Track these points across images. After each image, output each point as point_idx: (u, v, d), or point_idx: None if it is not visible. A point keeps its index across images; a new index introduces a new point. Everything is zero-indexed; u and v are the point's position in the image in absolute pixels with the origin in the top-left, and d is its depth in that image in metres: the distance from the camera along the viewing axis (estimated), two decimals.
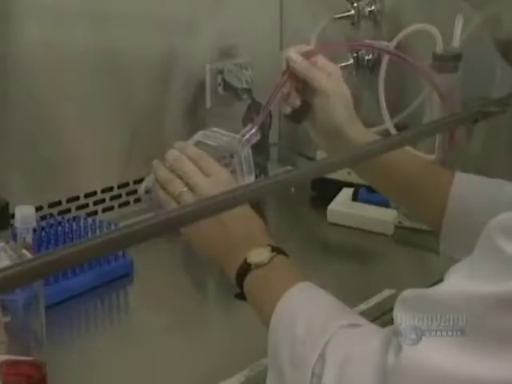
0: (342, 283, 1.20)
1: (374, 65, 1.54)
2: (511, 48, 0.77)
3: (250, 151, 1.01)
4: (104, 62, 1.38)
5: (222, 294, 1.20)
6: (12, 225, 1.07)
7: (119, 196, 1.46)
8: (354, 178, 1.38)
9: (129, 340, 1.07)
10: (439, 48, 1.35)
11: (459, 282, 0.66)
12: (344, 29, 1.55)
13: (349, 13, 1.55)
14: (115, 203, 1.45)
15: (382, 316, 1.05)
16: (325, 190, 1.51)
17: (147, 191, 1.02)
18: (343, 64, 1.53)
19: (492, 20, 0.78)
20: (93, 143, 1.39)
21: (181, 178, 0.94)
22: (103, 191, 1.43)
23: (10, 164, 1.28)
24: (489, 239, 0.65)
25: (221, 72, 1.53)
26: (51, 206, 1.35)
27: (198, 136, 1.03)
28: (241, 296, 0.88)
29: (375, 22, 1.55)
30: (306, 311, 0.79)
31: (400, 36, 1.40)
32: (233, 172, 0.98)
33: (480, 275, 0.64)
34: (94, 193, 1.42)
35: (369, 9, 1.55)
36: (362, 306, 1.11)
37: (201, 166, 0.94)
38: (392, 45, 1.39)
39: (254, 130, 1.03)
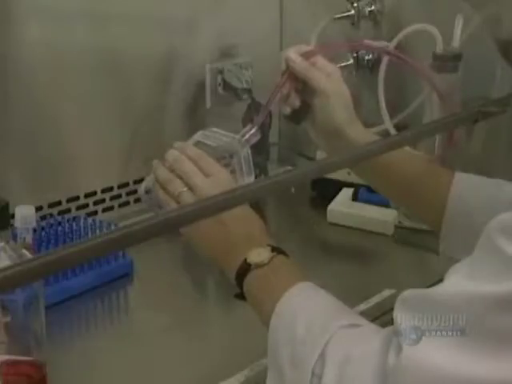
0: (341, 283, 1.20)
1: (374, 65, 1.54)
2: (511, 48, 0.77)
3: (250, 151, 1.01)
4: (104, 62, 1.38)
5: (222, 294, 1.20)
6: (12, 225, 1.07)
7: (119, 196, 1.46)
8: (353, 178, 1.38)
9: (129, 340, 1.07)
10: (439, 48, 1.35)
11: (459, 282, 0.66)
12: (344, 29, 1.55)
13: (349, 13, 1.55)
14: (115, 203, 1.45)
15: (381, 316, 1.05)
16: (325, 190, 1.51)
17: (147, 191, 1.02)
18: (343, 64, 1.53)
19: (492, 20, 0.78)
20: (93, 143, 1.39)
21: (181, 178, 0.94)
22: (103, 191, 1.43)
23: (10, 164, 1.28)
24: (489, 239, 0.65)
25: (221, 72, 1.53)
26: (51, 205, 1.35)
27: (198, 136, 1.03)
28: (241, 296, 0.88)
29: (375, 21, 1.55)
30: (306, 311, 0.79)
31: (400, 36, 1.40)
32: (232, 172, 0.98)
33: (480, 275, 0.64)
34: (94, 193, 1.42)
35: (369, 9, 1.55)
36: (362, 306, 1.11)
37: (201, 166, 0.94)
38: (392, 45, 1.39)
39: (253, 131, 1.03)
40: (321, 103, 1.05)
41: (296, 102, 1.06)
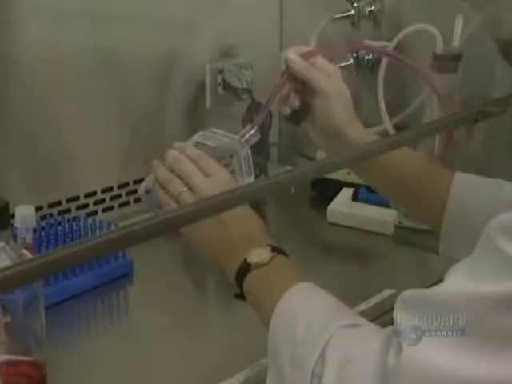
0: (341, 283, 1.20)
1: (374, 65, 1.54)
2: (511, 48, 0.77)
3: (250, 151, 1.01)
4: (104, 62, 1.37)
5: (222, 294, 1.20)
6: (12, 225, 1.07)
7: (119, 196, 1.46)
8: (353, 178, 1.38)
9: (129, 340, 1.07)
10: (439, 48, 1.35)
11: (459, 282, 0.66)
12: (344, 29, 1.55)
13: (349, 13, 1.55)
14: (115, 203, 1.45)
15: (381, 316, 1.05)
16: (325, 190, 1.51)
17: (147, 191, 1.02)
18: (343, 64, 1.53)
19: (492, 20, 0.78)
20: (93, 143, 1.39)
21: (181, 178, 0.94)
22: (103, 191, 1.43)
23: (10, 164, 1.28)
24: (489, 239, 0.65)
25: (221, 72, 1.53)
26: (51, 205, 1.35)
27: (197, 137, 1.03)
28: (241, 296, 0.88)
29: (375, 21, 1.55)
30: (306, 311, 0.79)
31: (400, 36, 1.40)
32: (232, 172, 0.98)
33: (480, 275, 0.64)
34: (94, 193, 1.42)
35: (369, 9, 1.55)
36: (362, 306, 1.11)
37: (201, 167, 0.94)
38: (392, 45, 1.39)
39: (253, 131, 1.03)
40: (321, 103, 1.05)
41: (296, 102, 1.06)
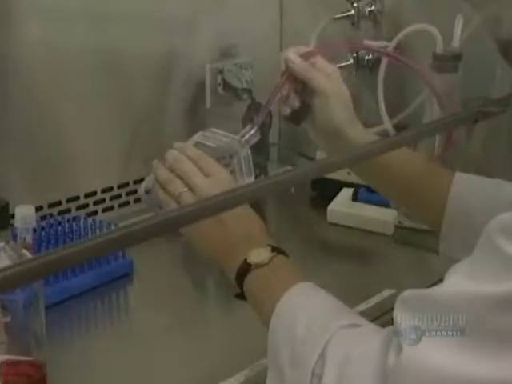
0: (341, 283, 1.20)
1: (374, 65, 1.54)
2: (511, 48, 0.77)
3: (250, 152, 1.01)
4: (104, 62, 1.37)
5: (222, 294, 1.20)
6: (12, 225, 1.07)
7: (119, 196, 1.46)
8: (353, 178, 1.38)
9: (129, 340, 1.07)
10: (439, 48, 1.35)
11: (459, 282, 0.66)
12: (344, 29, 1.55)
13: (349, 13, 1.55)
14: (115, 203, 1.45)
15: (381, 316, 1.05)
16: (325, 190, 1.51)
17: (147, 191, 1.02)
18: (343, 64, 1.53)
19: (492, 20, 0.78)
20: (93, 143, 1.39)
21: (181, 178, 0.94)
22: (103, 191, 1.43)
23: (10, 164, 1.28)
24: (489, 239, 0.65)
25: (221, 72, 1.53)
26: (51, 205, 1.35)
27: (197, 137, 1.03)
28: (241, 296, 0.88)
29: (375, 21, 1.55)
30: (306, 311, 0.79)
31: (400, 36, 1.40)
32: (232, 172, 0.98)
33: (480, 275, 0.64)
34: (94, 193, 1.42)
35: (369, 9, 1.55)
36: (362, 306, 1.11)
37: (201, 167, 0.94)
38: (392, 45, 1.39)
39: (253, 131, 1.03)
40: (320, 103, 1.05)
41: (295, 102, 1.06)
